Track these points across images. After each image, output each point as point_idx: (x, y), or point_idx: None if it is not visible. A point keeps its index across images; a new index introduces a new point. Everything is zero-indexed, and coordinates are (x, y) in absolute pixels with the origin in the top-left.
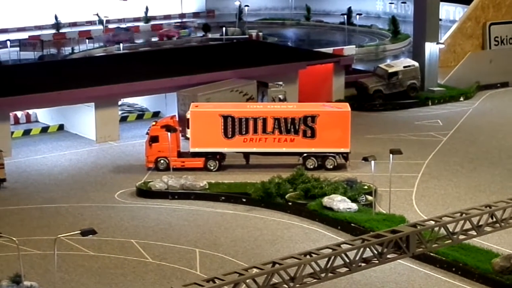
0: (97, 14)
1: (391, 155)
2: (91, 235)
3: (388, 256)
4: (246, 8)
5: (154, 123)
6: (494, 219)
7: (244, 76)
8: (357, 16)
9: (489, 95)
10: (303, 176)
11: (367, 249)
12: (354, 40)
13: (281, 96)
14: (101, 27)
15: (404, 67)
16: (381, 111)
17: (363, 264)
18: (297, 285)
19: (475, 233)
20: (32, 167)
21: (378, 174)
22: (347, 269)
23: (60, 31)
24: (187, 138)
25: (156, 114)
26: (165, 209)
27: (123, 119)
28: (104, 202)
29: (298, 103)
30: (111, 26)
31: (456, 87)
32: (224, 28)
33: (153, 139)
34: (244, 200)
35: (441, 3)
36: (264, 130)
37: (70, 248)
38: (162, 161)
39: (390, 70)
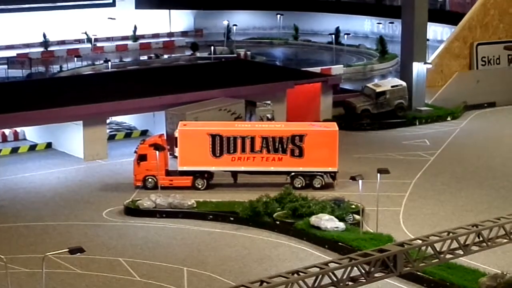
0: (85, 33)
1: (378, 174)
2: (79, 253)
3: (376, 275)
4: (235, 27)
5: (142, 141)
6: (481, 239)
7: (232, 95)
8: (345, 35)
9: (476, 115)
10: (291, 195)
11: (355, 268)
12: (342, 60)
13: (269, 115)
14: (89, 45)
15: (392, 86)
16: (369, 130)
17: (350, 283)
18: None
19: (462, 253)
20: (19, 185)
21: (366, 193)
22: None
23: (49, 49)
24: (175, 157)
25: (144, 133)
26: (153, 228)
27: (111, 138)
28: (92, 220)
29: (286, 122)
30: (99, 44)
31: (443, 106)
32: (212, 47)
33: (141, 158)
34: (232, 218)
35: (429, 23)
36: (252, 149)
37: (58, 266)
38: (150, 179)
39: (378, 89)
